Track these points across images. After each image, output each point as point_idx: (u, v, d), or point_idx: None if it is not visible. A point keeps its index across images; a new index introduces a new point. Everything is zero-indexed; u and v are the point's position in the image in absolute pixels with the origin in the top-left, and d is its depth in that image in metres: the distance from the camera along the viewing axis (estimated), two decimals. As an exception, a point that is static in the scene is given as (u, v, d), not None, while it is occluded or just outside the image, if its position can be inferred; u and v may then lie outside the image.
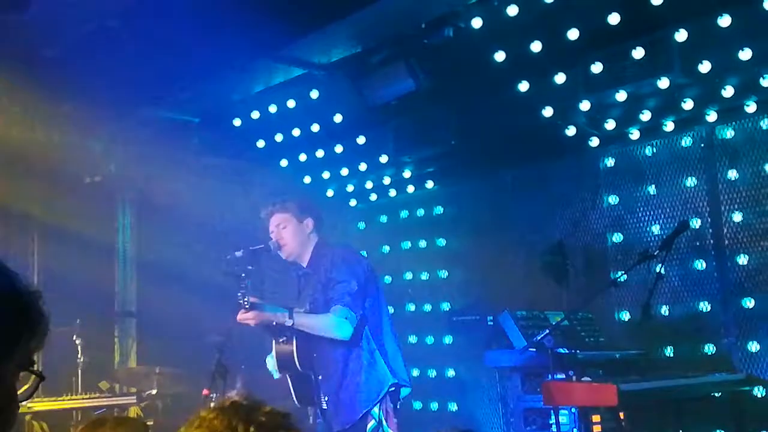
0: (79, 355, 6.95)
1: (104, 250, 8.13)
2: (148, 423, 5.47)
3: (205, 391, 4.82)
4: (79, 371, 6.93)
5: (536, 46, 5.66)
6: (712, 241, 5.74)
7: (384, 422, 4.93)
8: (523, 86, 6.02)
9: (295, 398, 5.15)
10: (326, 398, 5.02)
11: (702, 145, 5.82)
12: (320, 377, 5.04)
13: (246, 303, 4.75)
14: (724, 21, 5.07)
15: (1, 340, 1.43)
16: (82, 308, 7.36)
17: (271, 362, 5.21)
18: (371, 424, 4.91)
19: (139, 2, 5.70)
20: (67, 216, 7.69)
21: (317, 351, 4.99)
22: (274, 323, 4.92)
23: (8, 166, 7.04)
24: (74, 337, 6.99)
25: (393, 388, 4.98)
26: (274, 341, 5.10)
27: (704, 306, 5.72)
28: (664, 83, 5.37)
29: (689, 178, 5.86)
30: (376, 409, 4.92)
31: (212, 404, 5.22)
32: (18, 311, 1.46)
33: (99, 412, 6.50)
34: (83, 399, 6.72)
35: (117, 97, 6.44)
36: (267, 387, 5.30)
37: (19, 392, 1.52)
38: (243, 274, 4.77)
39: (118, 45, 5.93)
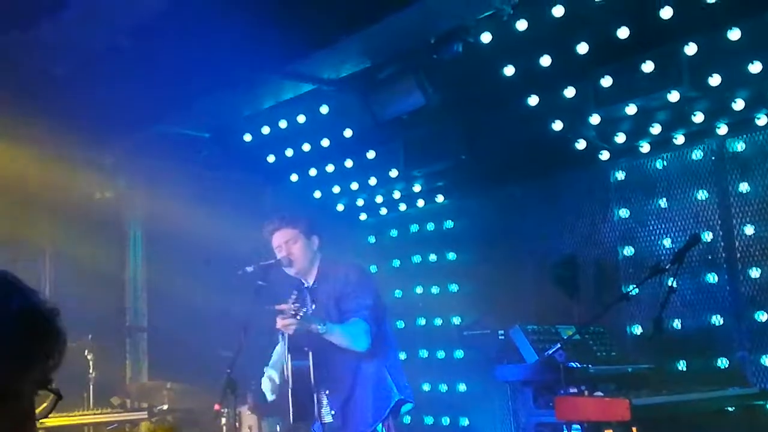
0: (90, 371, 6.95)
1: (115, 266, 8.15)
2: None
3: (216, 406, 4.82)
4: (91, 387, 6.93)
5: (545, 61, 5.66)
6: (724, 255, 5.71)
7: None
8: (533, 100, 6.02)
9: (291, 416, 5.10)
10: (333, 412, 5.01)
11: (713, 158, 5.81)
12: (328, 392, 5.03)
13: (297, 312, 4.75)
14: (734, 34, 5.07)
15: (18, 358, 1.43)
16: (93, 324, 7.38)
17: (267, 384, 5.21)
18: None
19: (149, 20, 5.74)
20: (77, 232, 7.72)
21: (330, 364, 5.00)
22: (311, 329, 4.92)
23: (19, 186, 7.07)
24: (86, 353, 7.00)
25: (396, 404, 4.98)
26: (289, 357, 5.07)
27: (717, 319, 5.69)
28: (674, 96, 5.36)
29: (700, 191, 5.84)
30: (379, 425, 4.93)
31: (223, 420, 5.23)
32: (36, 329, 1.46)
33: (111, 428, 6.51)
34: (95, 414, 6.72)
35: (127, 113, 6.47)
36: (277, 401, 5.29)
37: (36, 411, 1.51)
38: (295, 293, 4.81)
39: (128, 62, 5.97)
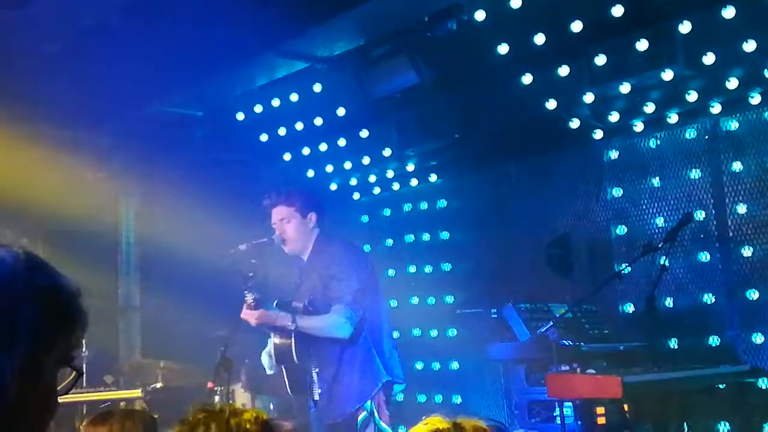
0: (83, 349, 6.96)
1: (108, 245, 8.15)
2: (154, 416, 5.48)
3: (209, 384, 4.84)
4: (84, 365, 6.94)
5: (540, 39, 5.65)
6: (716, 233, 5.73)
7: (376, 414, 4.94)
8: (527, 79, 6.01)
9: (288, 389, 5.15)
10: (320, 391, 5.02)
11: (706, 137, 5.80)
12: (317, 370, 5.04)
13: (252, 302, 4.76)
14: (729, 12, 5.05)
15: (42, 335, 1.45)
16: (86, 303, 7.36)
17: (266, 359, 5.22)
18: (362, 415, 4.93)
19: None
20: (71, 212, 7.70)
21: (315, 345, 5.00)
22: (277, 324, 4.93)
23: (11, 166, 7.04)
24: (79, 332, 7.00)
25: (384, 384, 4.99)
26: (272, 335, 5.10)
27: (708, 298, 5.71)
28: (668, 75, 5.35)
29: (693, 170, 5.84)
30: (368, 402, 4.94)
31: (216, 398, 5.26)
32: (59, 307, 1.49)
33: (104, 406, 6.52)
34: (88, 393, 6.74)
35: (119, 92, 6.44)
36: (270, 379, 5.31)
37: (58, 387, 1.54)
38: (250, 273, 4.78)
39: (120, 40, 5.93)
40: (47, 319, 1.47)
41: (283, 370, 5.13)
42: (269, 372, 5.25)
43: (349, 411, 4.94)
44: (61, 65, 6.16)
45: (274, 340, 5.08)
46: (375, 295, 5.14)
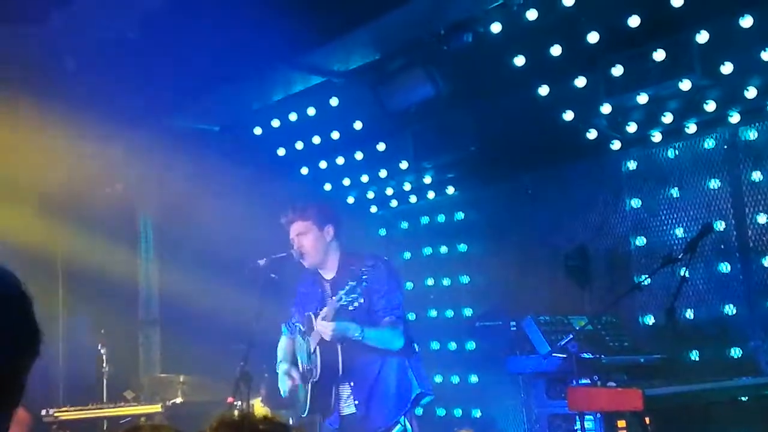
0: (104, 365, 7.00)
1: (127, 260, 8.18)
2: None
3: (229, 399, 4.83)
4: (105, 381, 6.98)
5: (556, 50, 5.64)
6: (736, 244, 5.68)
7: (409, 427, 4.95)
8: (543, 90, 6.00)
9: (309, 407, 5.10)
10: (357, 402, 5.02)
11: (725, 146, 5.77)
12: (353, 383, 5.03)
13: (326, 313, 4.78)
14: (746, 21, 5.03)
15: (24, 343, 1.46)
16: (106, 318, 7.41)
17: (286, 382, 5.19)
18: (397, 428, 4.93)
19: (158, 12, 5.74)
20: (89, 226, 7.75)
21: (357, 358, 4.99)
22: (347, 335, 4.93)
23: (30, 180, 7.10)
24: (99, 347, 7.04)
25: (417, 396, 5.00)
26: (318, 348, 5.05)
27: (729, 309, 5.67)
28: (685, 85, 5.33)
29: (713, 180, 5.80)
30: (402, 416, 4.95)
31: (236, 412, 5.25)
32: (31, 315, 1.48)
33: (125, 421, 6.54)
34: (109, 408, 6.76)
35: (136, 106, 6.49)
36: (290, 393, 5.30)
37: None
38: (355, 288, 4.76)
39: (138, 55, 5.98)
40: (27, 327, 1.46)
41: (310, 388, 5.09)
42: (284, 395, 5.23)
43: (389, 423, 4.95)
44: (81, 78, 6.21)
45: (320, 353, 5.02)
46: (405, 308, 5.20)
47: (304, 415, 5.16)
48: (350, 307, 4.73)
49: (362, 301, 4.72)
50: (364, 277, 4.63)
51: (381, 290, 4.95)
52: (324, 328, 4.84)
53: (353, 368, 5.01)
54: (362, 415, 5.00)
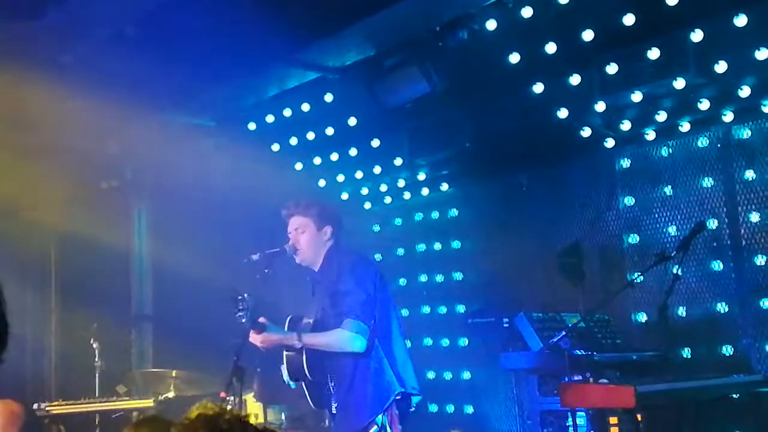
0: (96, 359, 7.00)
1: (120, 255, 8.18)
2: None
3: (222, 394, 4.83)
4: (97, 375, 6.97)
5: (551, 48, 5.65)
6: (729, 242, 5.71)
7: (388, 428, 4.90)
8: (538, 88, 6.01)
9: (310, 402, 5.16)
10: (336, 404, 5.02)
11: (718, 145, 5.79)
12: (332, 384, 5.03)
13: (246, 323, 4.73)
14: (741, 20, 5.05)
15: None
16: (98, 313, 7.40)
17: (285, 372, 5.21)
18: (373, 429, 4.89)
19: (155, 8, 5.73)
20: (84, 222, 7.74)
21: (328, 360, 4.98)
22: (285, 344, 4.93)
23: (27, 174, 7.09)
24: (91, 342, 7.04)
25: (399, 396, 4.95)
26: (285, 351, 5.08)
27: (722, 307, 5.69)
28: (679, 84, 5.35)
29: (706, 179, 5.82)
30: (380, 416, 4.90)
31: (228, 407, 5.25)
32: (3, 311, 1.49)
33: (117, 416, 6.54)
34: (101, 403, 6.76)
35: (133, 102, 6.47)
36: (283, 388, 5.31)
37: None
38: (239, 297, 4.74)
39: (134, 50, 5.96)
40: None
41: (303, 384, 5.13)
42: (293, 386, 5.23)
43: (361, 425, 4.91)
44: (76, 74, 6.20)
45: (285, 356, 5.07)
46: (385, 304, 5.09)
47: (314, 407, 5.21)
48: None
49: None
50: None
51: (343, 290, 4.89)
52: (254, 340, 4.85)
53: (333, 369, 5.00)
54: (340, 416, 5.00)
